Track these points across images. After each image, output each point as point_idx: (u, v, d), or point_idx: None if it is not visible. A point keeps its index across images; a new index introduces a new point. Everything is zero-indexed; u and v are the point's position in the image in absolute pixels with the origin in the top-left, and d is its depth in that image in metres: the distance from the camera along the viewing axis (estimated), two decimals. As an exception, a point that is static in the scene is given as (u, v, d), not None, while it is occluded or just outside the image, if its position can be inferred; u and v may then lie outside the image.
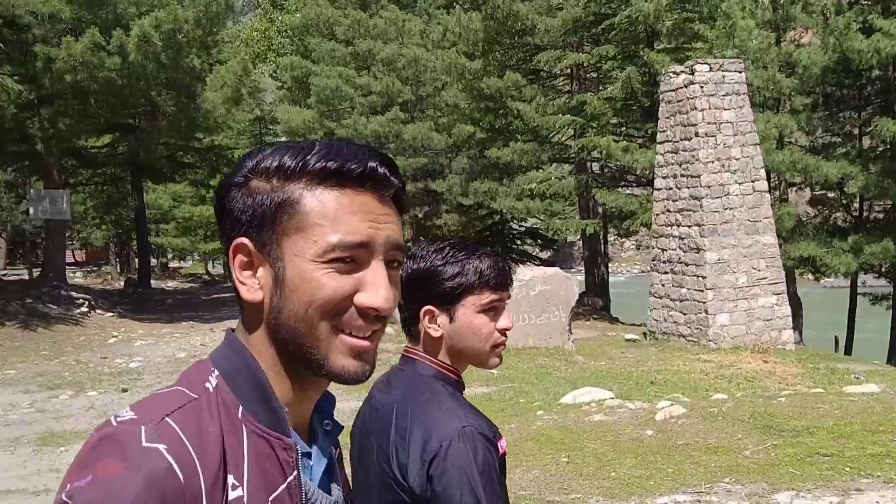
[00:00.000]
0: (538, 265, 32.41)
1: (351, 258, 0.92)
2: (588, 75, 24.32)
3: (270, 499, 0.92)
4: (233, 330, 1.01)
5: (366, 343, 0.95)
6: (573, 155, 23.19)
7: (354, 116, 28.32)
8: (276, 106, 38.64)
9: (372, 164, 0.95)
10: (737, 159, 14.38)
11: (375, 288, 0.93)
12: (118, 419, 0.88)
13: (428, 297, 1.76)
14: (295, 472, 0.94)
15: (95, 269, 40.87)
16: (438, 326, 1.75)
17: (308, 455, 1.01)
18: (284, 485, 0.93)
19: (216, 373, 0.96)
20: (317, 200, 0.93)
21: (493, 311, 1.76)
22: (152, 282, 36.82)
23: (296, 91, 35.51)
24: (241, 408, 0.94)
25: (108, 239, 38.36)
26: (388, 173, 0.96)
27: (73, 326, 17.26)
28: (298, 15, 38.84)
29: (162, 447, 0.84)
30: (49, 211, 18.74)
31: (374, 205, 0.95)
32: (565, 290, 14.02)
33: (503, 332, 1.78)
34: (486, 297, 1.74)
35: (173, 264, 48.41)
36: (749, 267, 14.23)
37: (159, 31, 16.60)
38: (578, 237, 30.75)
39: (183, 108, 18.28)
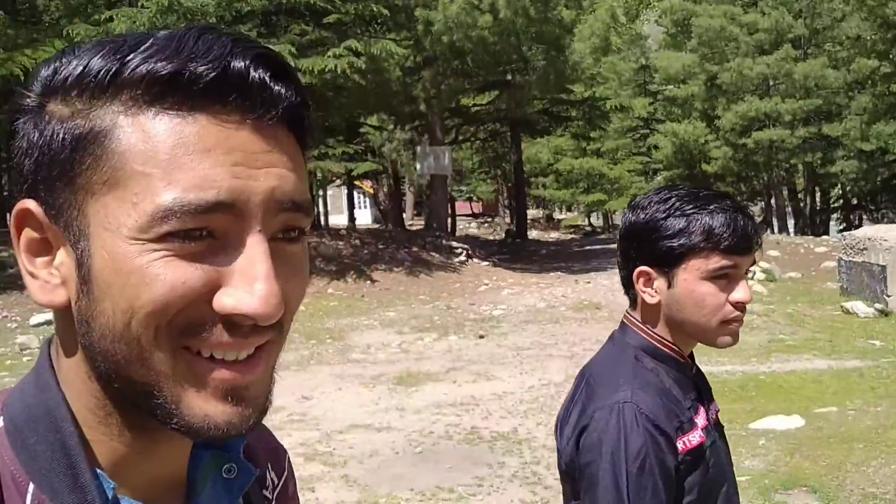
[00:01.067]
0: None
1: (204, 231, 0.56)
2: None
3: None
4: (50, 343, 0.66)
5: (240, 377, 0.58)
6: None
7: (738, 59, 26.44)
8: (659, 53, 37.63)
9: (238, 63, 0.57)
10: None
11: (248, 280, 0.56)
12: None
13: (644, 257, 1.48)
14: None
15: (489, 220, 43.98)
16: (655, 292, 1.47)
17: None
18: None
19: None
20: (140, 132, 0.56)
21: (724, 278, 1.41)
22: (534, 233, 38.64)
23: (677, 36, 34.18)
24: (31, 487, 0.59)
25: (493, 192, 40.74)
26: (268, 79, 0.58)
27: (451, 274, 18.58)
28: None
29: None
30: (433, 166, 20.30)
31: (244, 136, 0.57)
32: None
33: (738, 305, 1.42)
34: (715, 262, 1.41)
35: (558, 215, 50.05)
36: None
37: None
38: None
39: (552, 61, 18.44)
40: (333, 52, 16.35)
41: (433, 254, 19.52)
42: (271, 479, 0.81)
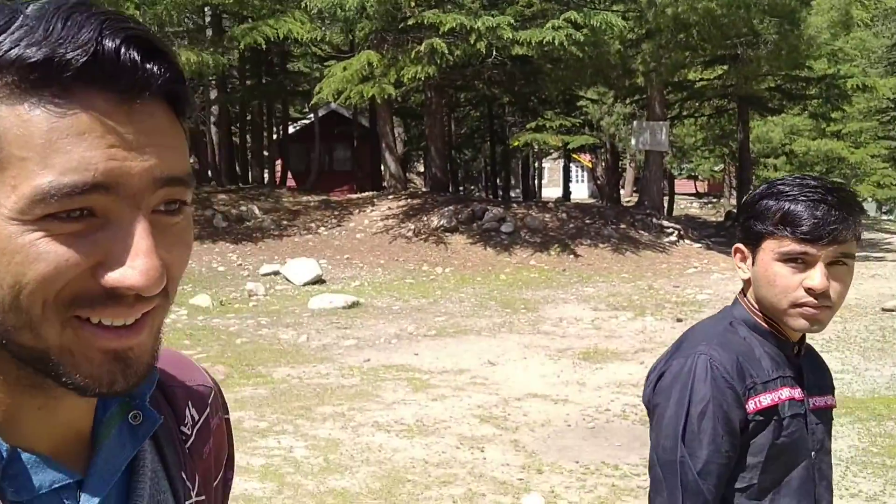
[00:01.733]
0: None
1: (84, 210, 0.59)
2: None
3: None
4: None
5: (125, 341, 0.62)
6: None
7: None
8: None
9: (109, 44, 0.58)
10: None
11: (131, 255, 0.59)
12: None
13: (740, 234, 1.60)
14: None
15: (714, 200, 42.13)
16: (747, 268, 1.59)
17: (74, 486, 0.69)
18: None
19: None
20: (15, 118, 0.58)
21: (799, 262, 1.47)
22: (760, 217, 36.53)
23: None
24: None
25: (720, 171, 38.93)
26: (139, 60, 0.59)
27: (659, 253, 18.10)
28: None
29: None
30: (649, 142, 19.78)
31: (119, 118, 0.59)
32: None
33: (810, 291, 1.46)
34: (787, 246, 1.47)
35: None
36: None
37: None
38: None
39: (784, 35, 17.26)
40: (552, 24, 16.33)
41: (642, 232, 19.09)
42: (190, 415, 0.83)
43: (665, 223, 19.73)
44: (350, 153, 30.09)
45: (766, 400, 1.50)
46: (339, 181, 28.05)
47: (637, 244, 18.39)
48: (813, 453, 1.57)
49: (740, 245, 1.60)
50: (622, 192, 39.21)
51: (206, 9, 21.65)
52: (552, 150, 36.01)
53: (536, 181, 43.33)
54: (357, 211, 19.86)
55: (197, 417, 0.85)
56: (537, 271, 16.37)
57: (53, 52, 0.56)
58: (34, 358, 0.62)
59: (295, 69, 29.01)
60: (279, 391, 7.43)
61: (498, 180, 37.49)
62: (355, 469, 5.38)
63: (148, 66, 0.59)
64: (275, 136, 30.43)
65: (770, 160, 35.05)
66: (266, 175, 27.77)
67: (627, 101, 26.51)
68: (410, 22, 16.60)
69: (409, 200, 20.28)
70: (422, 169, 36.78)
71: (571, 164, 56.77)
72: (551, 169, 55.21)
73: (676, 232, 19.33)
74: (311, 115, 27.19)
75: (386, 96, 17.68)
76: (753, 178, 39.10)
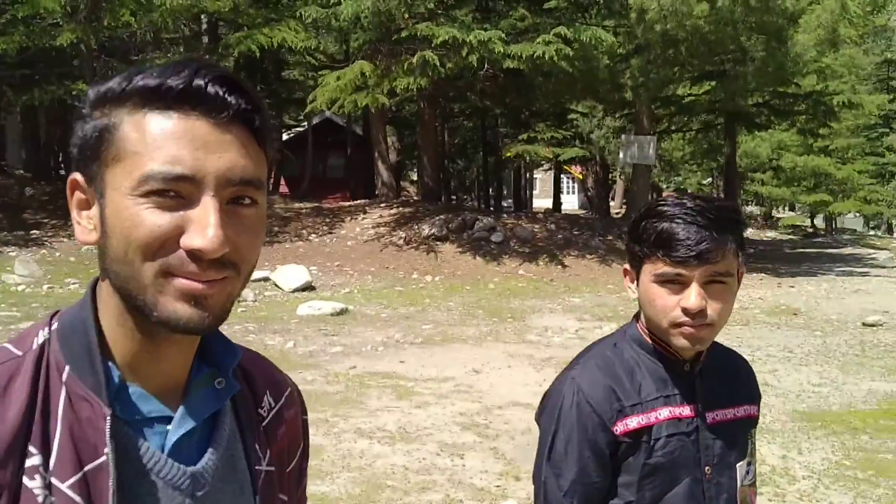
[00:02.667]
0: None
1: (175, 192, 0.82)
2: None
3: (87, 469, 0.85)
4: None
5: (199, 285, 0.84)
6: None
7: None
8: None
9: (199, 81, 0.83)
10: None
11: (201, 227, 0.82)
12: None
13: (627, 255, 1.62)
14: (111, 443, 0.85)
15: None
16: (634, 289, 1.60)
17: (166, 420, 0.92)
18: (103, 456, 0.85)
19: (53, 327, 0.91)
20: (135, 125, 0.84)
21: (675, 283, 1.49)
22: (749, 231, 36.77)
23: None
24: (67, 368, 0.88)
25: (703, 185, 39.21)
26: (221, 92, 0.84)
27: (646, 266, 18.27)
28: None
29: None
30: (636, 155, 19.97)
31: (205, 130, 0.83)
32: None
33: (686, 312, 1.48)
34: (661, 268, 1.49)
35: (777, 214, 47.24)
36: None
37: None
38: None
39: (772, 53, 17.51)
40: (543, 39, 16.53)
41: (629, 244, 19.27)
42: (268, 401, 1.07)
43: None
44: (344, 161, 30.22)
45: (633, 423, 1.53)
46: (333, 189, 28.18)
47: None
48: (707, 469, 1.57)
49: (627, 266, 1.63)
50: (612, 203, 39.44)
51: (202, 17, 21.77)
52: (543, 162, 36.25)
53: (528, 192, 43.48)
54: (349, 218, 19.98)
55: (273, 404, 1.07)
56: (525, 281, 16.52)
57: (163, 81, 0.83)
58: (135, 298, 0.85)
59: (290, 77, 29.15)
60: (265, 397, 7.53)
61: (490, 190, 37.69)
62: (336, 475, 5.49)
63: (227, 97, 0.84)
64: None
65: (757, 175, 35.36)
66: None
67: (617, 115, 26.75)
68: (404, 34, 16.76)
69: (400, 209, 20.42)
70: (415, 178, 36.93)
71: (562, 176, 57.00)
72: (543, 180, 55.47)
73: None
74: (305, 123, 27.32)
75: (379, 106, 17.85)
76: (741, 192, 39.47)
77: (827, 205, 34.51)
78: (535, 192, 58.09)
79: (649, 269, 1.51)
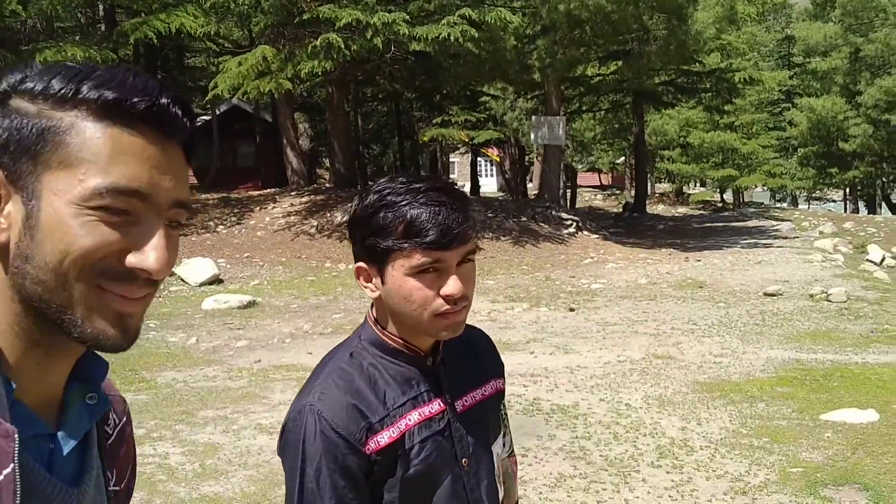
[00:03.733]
0: None
1: (123, 209, 0.80)
2: None
3: None
4: None
5: (131, 306, 0.83)
6: None
7: (885, 29, 24.67)
8: (800, 24, 35.59)
9: (163, 100, 0.82)
10: None
11: (150, 247, 0.81)
12: None
13: (359, 252, 1.44)
14: (11, 465, 0.79)
15: (617, 191, 43.17)
16: (375, 287, 1.43)
17: (51, 437, 0.88)
18: (1, 476, 0.79)
19: None
20: (91, 133, 0.80)
21: (432, 272, 1.37)
22: (661, 207, 37.66)
23: (823, 5, 32.20)
24: None
25: (617, 164, 39.91)
26: (180, 114, 0.84)
27: (558, 245, 18.45)
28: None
29: None
30: (547, 136, 20.11)
31: (159, 150, 0.82)
32: None
33: (448, 299, 1.37)
34: (416, 259, 1.35)
35: (689, 190, 48.46)
36: None
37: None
38: None
39: (673, 31, 17.80)
40: (448, 20, 16.42)
41: (542, 224, 19.42)
42: (113, 418, 1.03)
43: (564, 215, 20.11)
44: (254, 149, 29.58)
45: (384, 438, 1.40)
46: (244, 178, 27.53)
47: (537, 236, 18.69)
48: (464, 460, 1.48)
49: (362, 264, 1.45)
50: (530, 185, 39.76)
51: (98, 4, 20.94)
52: (460, 145, 36.28)
53: (446, 175, 43.47)
54: (258, 208, 19.55)
55: (118, 421, 1.03)
56: (439, 266, 16.45)
57: (128, 96, 0.80)
58: (58, 311, 0.81)
59: (193, 65, 28.32)
60: (161, 396, 7.25)
61: (408, 175, 37.41)
62: (231, 474, 5.29)
63: (183, 119, 0.84)
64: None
65: (667, 152, 36.15)
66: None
67: (528, 96, 26.92)
68: (306, 16, 16.40)
69: (312, 197, 20.08)
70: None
71: (480, 159, 57.20)
72: (461, 163, 55.54)
73: (575, 224, 19.73)
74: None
75: (283, 91, 17.46)
76: (654, 169, 40.33)
77: (734, 179, 35.56)
78: (453, 176, 58.27)
79: (402, 263, 1.36)
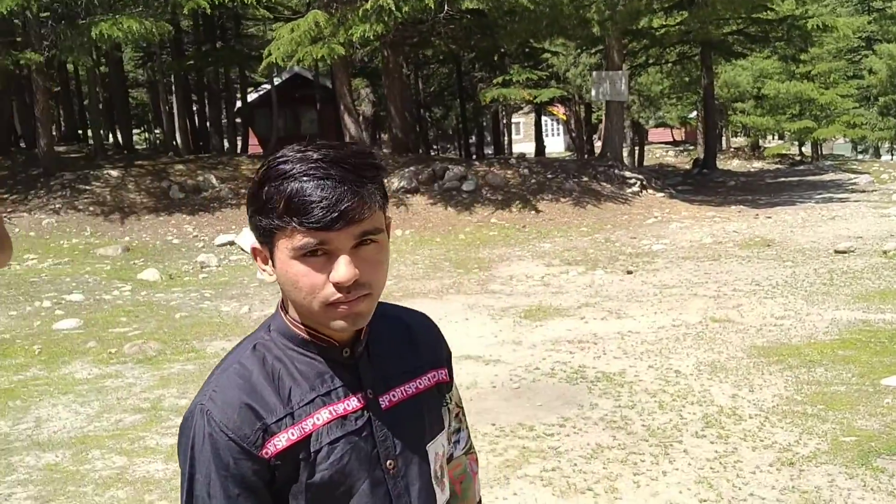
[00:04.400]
0: None
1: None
2: None
3: None
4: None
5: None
6: None
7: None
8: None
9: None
10: None
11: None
12: None
13: (252, 230, 1.26)
14: None
15: (691, 147, 41.95)
16: (270, 271, 1.26)
17: None
18: None
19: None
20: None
21: (320, 254, 1.19)
22: (736, 162, 36.40)
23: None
24: None
25: (689, 118, 38.69)
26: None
27: (621, 205, 17.99)
28: None
29: None
30: (609, 92, 19.53)
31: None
32: None
33: (338, 287, 1.19)
34: (299, 240, 1.17)
35: (766, 144, 46.66)
36: None
37: None
38: None
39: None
40: (502, -24, 15.99)
41: (604, 184, 18.95)
42: None
43: (627, 174, 19.58)
44: (316, 116, 29.66)
45: (282, 441, 1.25)
46: (307, 145, 27.67)
47: (599, 196, 18.26)
48: (389, 463, 1.33)
49: (256, 245, 1.29)
50: (597, 144, 38.95)
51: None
52: (523, 105, 35.68)
53: (507, 137, 42.95)
54: (317, 176, 19.57)
55: None
56: (497, 229, 16.23)
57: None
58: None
59: (250, 34, 28.46)
60: (209, 366, 7.25)
61: (472, 138, 37.13)
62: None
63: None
64: (239, 104, 29.93)
65: (740, 104, 34.83)
66: (226, 144, 27.33)
67: (592, 51, 26.19)
68: (358, -21, 16.19)
69: (370, 163, 20.01)
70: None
71: (546, 118, 56.26)
72: (526, 124, 54.78)
73: (639, 182, 19.20)
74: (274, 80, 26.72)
75: (336, 57, 17.32)
76: (728, 123, 38.98)
77: (812, 131, 34.04)
78: (519, 137, 57.55)
79: (285, 245, 1.19)
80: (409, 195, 17.79)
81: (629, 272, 11.23)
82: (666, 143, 48.68)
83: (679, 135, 49.62)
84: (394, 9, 15.74)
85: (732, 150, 42.03)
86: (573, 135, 38.45)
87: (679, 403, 5.77)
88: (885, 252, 11.14)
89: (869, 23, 32.65)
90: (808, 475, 4.47)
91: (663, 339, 7.59)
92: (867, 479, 4.37)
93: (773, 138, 49.10)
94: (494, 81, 27.40)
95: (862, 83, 34.58)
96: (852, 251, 11.48)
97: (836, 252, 11.53)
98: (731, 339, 7.51)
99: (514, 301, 9.70)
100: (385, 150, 23.39)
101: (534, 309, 9.18)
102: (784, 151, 38.94)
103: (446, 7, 16.81)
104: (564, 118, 45.07)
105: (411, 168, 18.69)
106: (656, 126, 43.90)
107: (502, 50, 24.14)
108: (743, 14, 20.85)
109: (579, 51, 26.50)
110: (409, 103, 29.08)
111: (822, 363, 6.56)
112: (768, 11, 23.13)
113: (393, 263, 12.97)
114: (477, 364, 7.06)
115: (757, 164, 35.48)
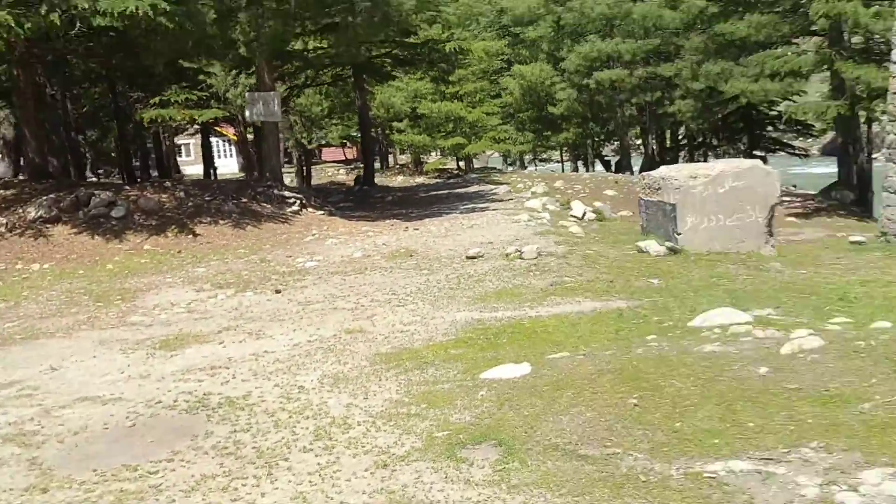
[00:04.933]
0: (799, 154, 28.73)
1: None
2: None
3: None
4: None
5: None
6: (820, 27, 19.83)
7: (581, -1, 26.49)
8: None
9: None
10: None
11: None
12: None
13: None
14: None
15: (361, 165, 43.28)
16: None
17: None
18: None
19: None
20: None
21: None
22: (400, 178, 38.28)
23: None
24: None
25: (350, 138, 40.05)
26: None
27: (281, 224, 18.07)
28: None
29: None
30: (262, 113, 19.55)
31: None
32: (763, 187, 12.05)
33: None
34: None
35: (428, 160, 49.58)
36: None
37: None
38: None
39: (376, 3, 17.88)
40: (137, -7, 15.29)
41: (264, 204, 18.93)
42: None
43: (287, 193, 19.73)
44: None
45: None
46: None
47: (259, 217, 18.18)
48: None
49: None
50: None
51: None
52: (187, 126, 34.56)
53: (170, 159, 41.23)
54: (-63, 209, 17.29)
55: None
56: (150, 256, 15.48)
57: None
58: None
59: None
60: None
61: (136, 161, 35.05)
62: None
63: None
64: None
65: (397, 124, 36.73)
66: None
67: (250, 71, 26.03)
68: (-33, -9, 14.58)
69: (2, 192, 18.10)
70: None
71: (217, 139, 54.85)
72: (195, 145, 53.10)
73: (298, 201, 19.43)
74: None
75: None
76: (390, 140, 40.90)
77: (463, 146, 36.91)
78: (189, 159, 55.71)
79: None
80: (48, 225, 16.35)
81: (277, 291, 11.28)
82: (339, 161, 50.02)
83: (351, 153, 51.16)
84: (13, 25, 14.40)
85: (398, 166, 44.27)
86: (243, 156, 37.98)
87: (294, 419, 5.88)
88: (506, 255, 12.32)
89: (507, 46, 36.06)
90: (399, 474, 4.76)
91: (295, 356, 7.70)
92: (450, 471, 4.74)
93: (437, 154, 52.50)
94: (151, 102, 26.17)
95: (502, 102, 38.07)
96: (481, 256, 12.55)
97: (468, 258, 12.54)
98: (358, 349, 7.82)
99: (153, 332, 9.28)
100: (21, 177, 21.30)
101: (171, 338, 8.85)
102: (441, 166, 41.79)
103: (78, 24, 15.71)
104: (235, 139, 44.39)
105: (51, 195, 17.20)
106: (326, 146, 44.79)
107: (150, 69, 23.11)
108: (387, 38, 22.01)
109: (236, 72, 26.23)
110: (56, 125, 26.85)
111: (434, 363, 7.04)
112: (413, 36, 24.63)
113: (22, 302, 11.81)
114: (94, 405, 6.63)
115: (419, 179, 37.64)
